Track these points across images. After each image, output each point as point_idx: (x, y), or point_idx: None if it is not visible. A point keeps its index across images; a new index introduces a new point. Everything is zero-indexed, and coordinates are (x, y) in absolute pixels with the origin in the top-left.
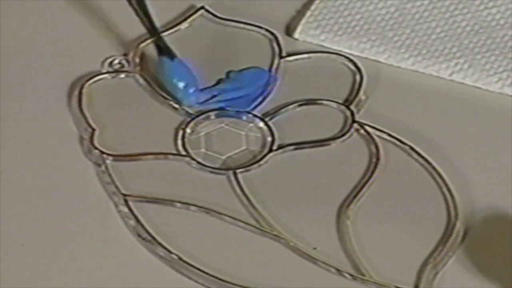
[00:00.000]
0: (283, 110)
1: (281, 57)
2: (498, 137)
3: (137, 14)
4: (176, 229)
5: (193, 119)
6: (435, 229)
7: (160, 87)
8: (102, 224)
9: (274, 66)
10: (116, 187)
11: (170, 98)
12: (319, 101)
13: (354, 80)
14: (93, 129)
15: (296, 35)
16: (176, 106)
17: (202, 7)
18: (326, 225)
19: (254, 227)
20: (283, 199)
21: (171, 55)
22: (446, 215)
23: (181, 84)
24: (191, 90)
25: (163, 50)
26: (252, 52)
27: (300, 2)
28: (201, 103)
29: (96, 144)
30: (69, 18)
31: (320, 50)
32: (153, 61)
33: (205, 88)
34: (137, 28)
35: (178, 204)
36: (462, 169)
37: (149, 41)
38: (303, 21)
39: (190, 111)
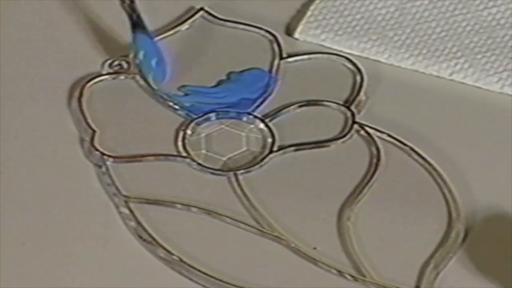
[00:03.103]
0: (283, 111)
1: (281, 58)
2: (498, 137)
3: None
4: (177, 231)
5: (193, 120)
6: (436, 230)
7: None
8: (103, 225)
9: (275, 67)
10: (117, 188)
11: (170, 99)
12: (320, 102)
13: (355, 80)
14: (94, 131)
15: (297, 34)
16: (177, 107)
17: (201, 8)
18: (327, 226)
19: (255, 228)
20: (284, 200)
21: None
22: (447, 216)
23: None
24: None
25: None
26: (253, 53)
27: (300, 2)
28: (202, 103)
29: (97, 146)
30: (69, 19)
31: (320, 51)
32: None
33: (206, 90)
34: None
35: (179, 206)
36: (462, 170)
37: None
38: (304, 20)
39: (193, 115)
